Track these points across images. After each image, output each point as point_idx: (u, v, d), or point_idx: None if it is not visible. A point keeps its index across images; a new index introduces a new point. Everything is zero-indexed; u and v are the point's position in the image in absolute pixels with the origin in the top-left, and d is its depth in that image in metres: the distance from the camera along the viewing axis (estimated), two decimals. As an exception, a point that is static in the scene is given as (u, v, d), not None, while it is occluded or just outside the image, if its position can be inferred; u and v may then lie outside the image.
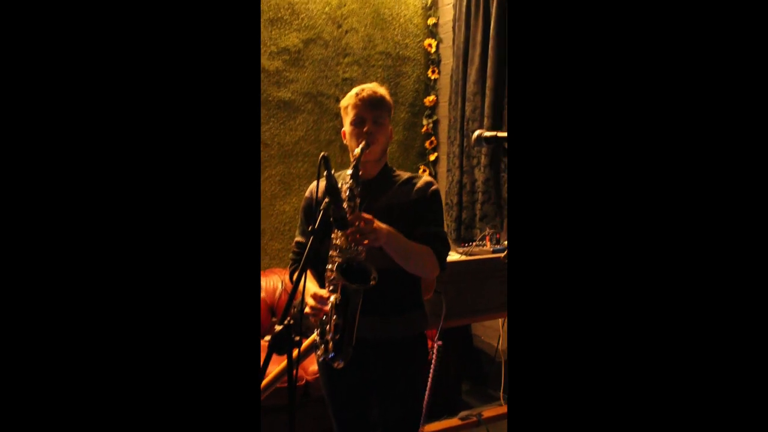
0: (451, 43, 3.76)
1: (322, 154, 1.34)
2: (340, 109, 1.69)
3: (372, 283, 1.41)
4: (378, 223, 1.45)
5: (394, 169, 1.71)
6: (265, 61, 3.37)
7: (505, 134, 1.45)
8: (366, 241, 1.42)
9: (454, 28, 3.72)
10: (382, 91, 1.65)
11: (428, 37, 3.89)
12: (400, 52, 3.81)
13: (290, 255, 1.74)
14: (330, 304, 1.46)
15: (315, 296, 1.48)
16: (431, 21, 3.88)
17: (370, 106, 1.60)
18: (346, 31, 3.61)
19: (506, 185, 3.37)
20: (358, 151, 1.52)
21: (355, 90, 1.63)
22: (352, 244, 1.44)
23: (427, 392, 1.83)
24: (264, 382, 1.87)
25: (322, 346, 1.49)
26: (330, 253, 1.50)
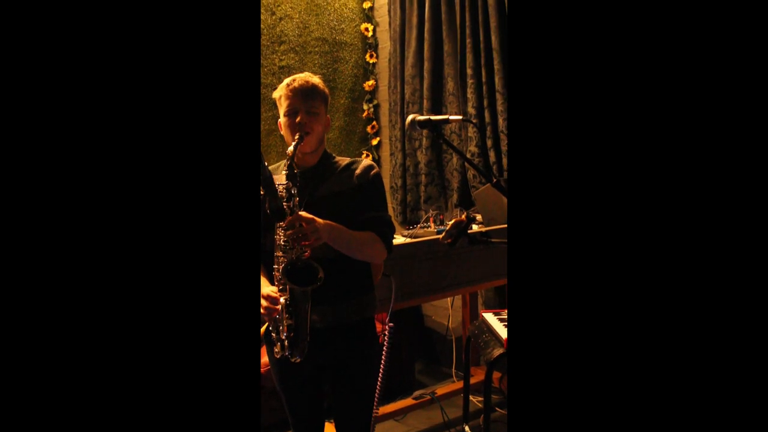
0: (387, 26, 3.76)
1: None
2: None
3: (318, 283, 1.42)
4: (318, 221, 1.44)
5: (334, 155, 1.70)
6: (198, 52, 3.28)
7: (439, 117, 1.47)
8: (308, 242, 1.42)
9: (389, 11, 3.72)
10: (315, 79, 1.62)
11: (364, 21, 3.88)
12: (337, 38, 3.78)
13: None
14: (280, 305, 1.46)
15: (267, 297, 1.47)
16: (366, 5, 3.87)
17: (302, 95, 1.58)
18: (280, 18, 3.55)
19: (448, 166, 3.43)
20: (291, 148, 1.50)
21: (287, 80, 1.60)
22: (296, 245, 1.44)
23: (380, 375, 1.84)
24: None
25: (278, 344, 1.51)
26: (276, 253, 1.50)
